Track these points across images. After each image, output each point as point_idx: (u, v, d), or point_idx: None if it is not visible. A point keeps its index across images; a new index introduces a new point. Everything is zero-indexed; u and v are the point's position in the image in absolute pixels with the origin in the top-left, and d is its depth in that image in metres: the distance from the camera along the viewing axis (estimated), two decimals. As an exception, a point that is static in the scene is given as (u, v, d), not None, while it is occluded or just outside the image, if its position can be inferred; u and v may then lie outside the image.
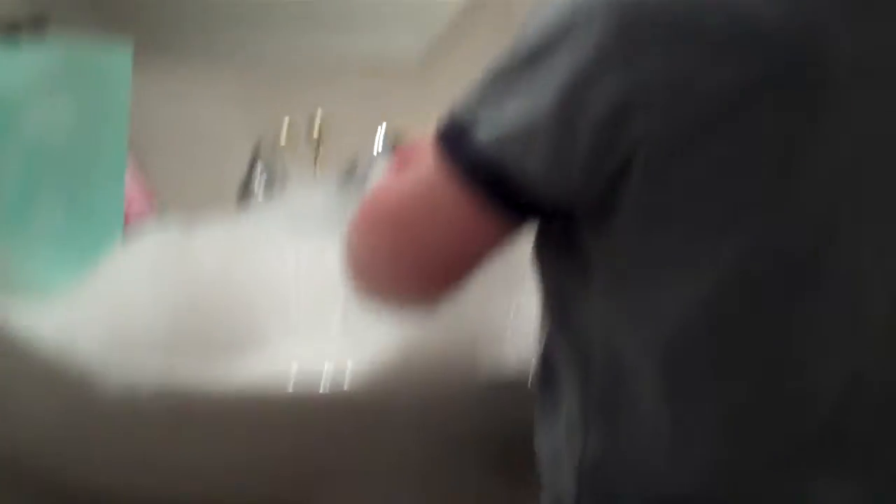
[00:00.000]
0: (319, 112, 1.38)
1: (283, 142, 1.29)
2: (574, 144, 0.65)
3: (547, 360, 0.76)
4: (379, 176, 1.24)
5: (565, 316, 0.72)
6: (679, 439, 0.67)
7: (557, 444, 0.73)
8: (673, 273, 0.65)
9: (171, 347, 0.88)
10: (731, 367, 0.66)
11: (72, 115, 1.03)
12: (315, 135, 1.38)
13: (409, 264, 0.75)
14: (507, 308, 0.93)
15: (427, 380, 0.84)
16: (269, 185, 1.29)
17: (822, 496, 0.66)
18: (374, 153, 1.29)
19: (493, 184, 0.68)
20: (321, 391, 0.84)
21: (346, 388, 0.84)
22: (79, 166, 1.05)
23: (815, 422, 0.66)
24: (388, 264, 0.76)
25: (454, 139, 0.70)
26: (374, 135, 1.35)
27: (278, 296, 0.95)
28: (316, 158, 1.38)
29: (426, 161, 0.72)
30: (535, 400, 0.77)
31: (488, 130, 0.68)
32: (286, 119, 1.37)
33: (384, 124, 1.31)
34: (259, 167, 1.30)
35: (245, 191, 1.30)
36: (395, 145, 1.25)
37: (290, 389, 0.84)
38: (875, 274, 0.65)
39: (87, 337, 0.88)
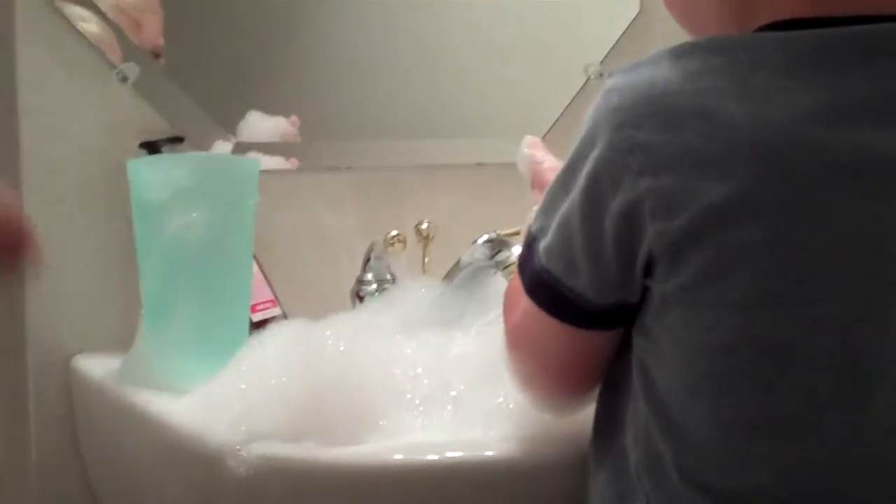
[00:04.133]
0: (426, 221, 1.46)
1: (392, 245, 1.36)
2: (604, 253, 0.71)
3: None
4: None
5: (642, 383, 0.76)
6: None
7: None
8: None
9: (295, 428, 0.95)
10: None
11: (205, 219, 1.12)
12: (421, 239, 1.46)
13: (546, 381, 0.83)
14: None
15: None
16: (381, 285, 1.37)
17: None
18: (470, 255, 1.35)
19: (550, 297, 0.76)
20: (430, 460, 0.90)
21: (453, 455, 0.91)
22: (211, 268, 1.14)
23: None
24: (531, 383, 0.85)
25: (525, 254, 0.79)
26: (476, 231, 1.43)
27: (394, 386, 1.02)
28: (424, 262, 1.46)
29: None
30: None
31: (543, 243, 0.76)
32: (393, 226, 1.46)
33: (486, 235, 1.38)
34: (371, 269, 1.37)
35: (359, 291, 1.37)
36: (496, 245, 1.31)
37: (401, 462, 0.90)
38: None
39: (220, 420, 0.95)
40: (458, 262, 1.37)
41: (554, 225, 0.74)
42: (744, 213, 0.66)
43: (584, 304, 0.74)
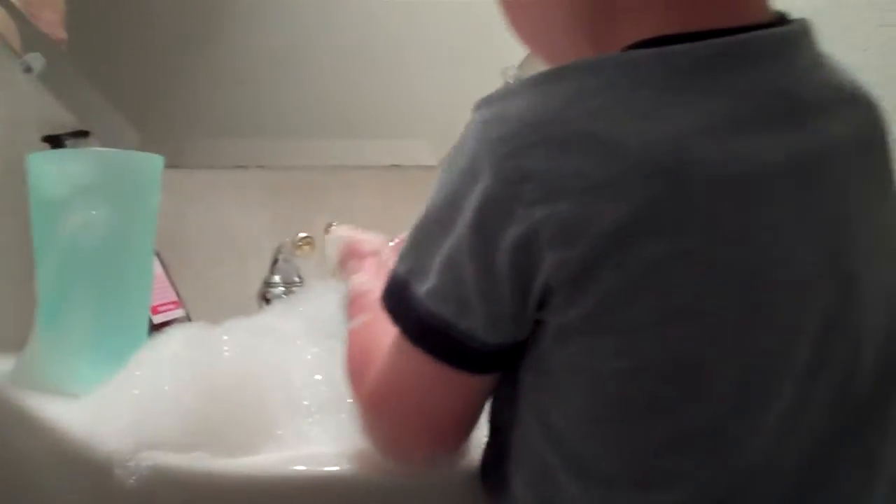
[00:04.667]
0: (337, 223, 1.44)
1: (300, 247, 1.34)
2: (498, 290, 0.68)
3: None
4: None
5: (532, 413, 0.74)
6: None
7: None
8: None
9: (188, 438, 0.93)
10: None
11: (106, 218, 1.09)
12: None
13: (423, 439, 0.78)
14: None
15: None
16: (289, 287, 1.35)
17: None
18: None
19: (441, 343, 0.71)
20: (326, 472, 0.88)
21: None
22: (110, 268, 1.11)
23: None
24: (402, 444, 0.80)
25: (398, 299, 0.74)
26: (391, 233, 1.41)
27: (291, 393, 1.00)
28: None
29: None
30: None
31: (422, 285, 0.71)
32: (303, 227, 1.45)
33: (397, 239, 1.37)
34: (279, 270, 1.36)
35: (265, 293, 1.36)
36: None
37: (298, 473, 0.88)
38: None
39: (111, 427, 0.92)
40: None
41: (436, 266, 0.70)
42: (641, 232, 0.65)
43: (480, 346, 0.71)
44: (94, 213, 1.09)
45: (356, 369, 0.84)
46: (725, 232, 0.66)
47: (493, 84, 1.59)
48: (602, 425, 0.69)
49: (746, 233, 0.67)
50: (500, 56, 1.60)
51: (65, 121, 1.33)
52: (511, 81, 1.55)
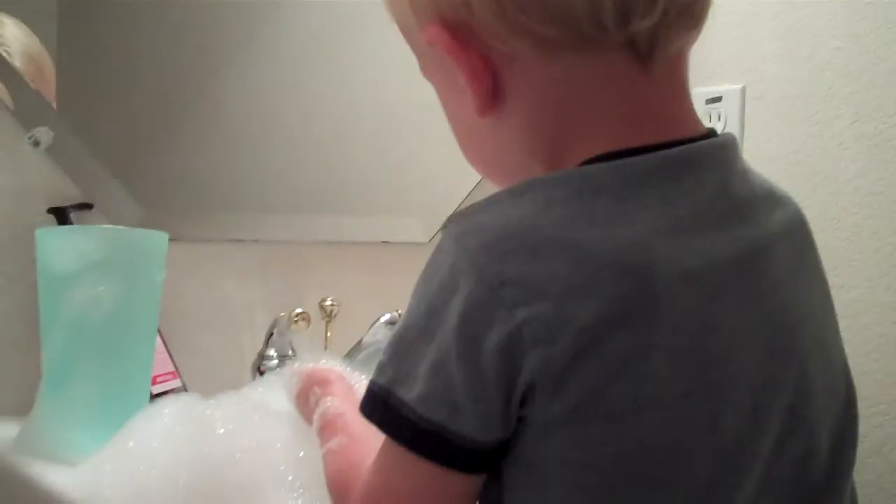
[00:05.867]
0: (330, 298, 1.49)
1: (297, 323, 1.38)
2: (487, 390, 0.70)
3: None
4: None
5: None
6: None
7: None
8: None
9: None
10: None
11: (112, 293, 1.12)
12: (325, 316, 1.48)
13: None
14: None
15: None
16: (283, 360, 1.38)
17: None
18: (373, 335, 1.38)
19: (435, 445, 0.72)
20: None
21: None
22: (115, 341, 1.14)
23: None
24: None
25: (383, 408, 0.74)
26: (380, 310, 1.45)
27: (279, 465, 1.03)
28: (326, 338, 1.48)
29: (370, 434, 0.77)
30: None
31: (409, 392, 0.73)
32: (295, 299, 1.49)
33: (387, 315, 1.41)
34: (274, 344, 1.39)
35: (260, 365, 1.39)
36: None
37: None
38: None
39: (109, 493, 0.97)
40: (360, 342, 1.39)
41: (422, 372, 0.72)
42: (614, 327, 0.69)
43: (472, 445, 0.72)
44: (101, 288, 1.12)
45: (340, 490, 0.86)
46: (687, 324, 0.71)
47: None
48: None
49: (706, 323, 0.72)
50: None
51: (69, 193, 1.36)
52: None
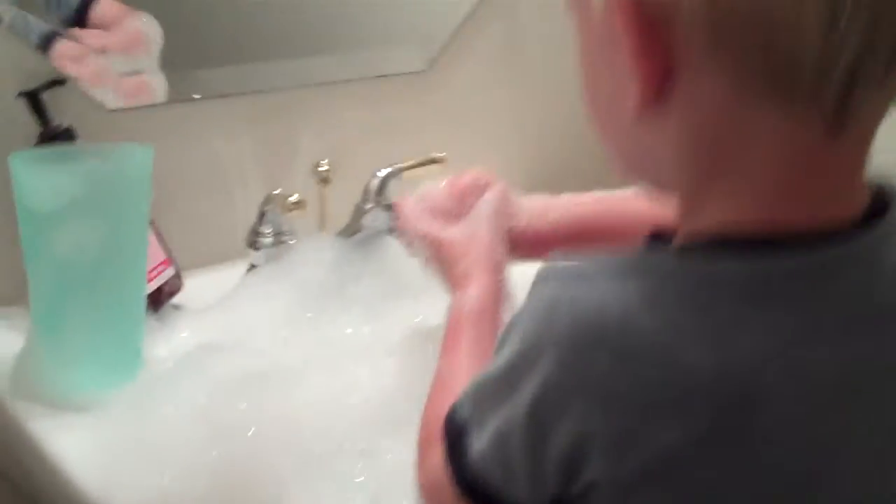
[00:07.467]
0: (325, 162, 1.42)
1: (291, 211, 1.32)
2: (546, 475, 0.69)
3: None
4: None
5: None
6: None
7: None
8: None
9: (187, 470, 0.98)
10: None
11: (98, 234, 1.08)
12: (319, 181, 1.43)
13: None
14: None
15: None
16: (278, 237, 1.35)
17: None
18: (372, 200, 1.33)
19: (487, 498, 0.73)
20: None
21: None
22: (104, 277, 1.10)
23: None
24: None
25: (454, 443, 0.76)
26: (382, 148, 1.40)
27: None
28: (322, 213, 1.44)
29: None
30: None
31: (477, 441, 0.73)
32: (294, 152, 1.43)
33: (383, 171, 1.34)
34: (268, 221, 1.34)
35: (255, 242, 1.35)
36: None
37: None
38: None
39: (110, 455, 1.00)
40: (356, 212, 1.34)
41: (490, 428, 0.72)
42: (693, 459, 0.65)
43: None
44: (85, 222, 1.08)
45: (423, 440, 0.87)
46: (775, 456, 0.66)
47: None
48: None
49: (797, 456, 0.67)
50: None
51: (40, 69, 1.27)
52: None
